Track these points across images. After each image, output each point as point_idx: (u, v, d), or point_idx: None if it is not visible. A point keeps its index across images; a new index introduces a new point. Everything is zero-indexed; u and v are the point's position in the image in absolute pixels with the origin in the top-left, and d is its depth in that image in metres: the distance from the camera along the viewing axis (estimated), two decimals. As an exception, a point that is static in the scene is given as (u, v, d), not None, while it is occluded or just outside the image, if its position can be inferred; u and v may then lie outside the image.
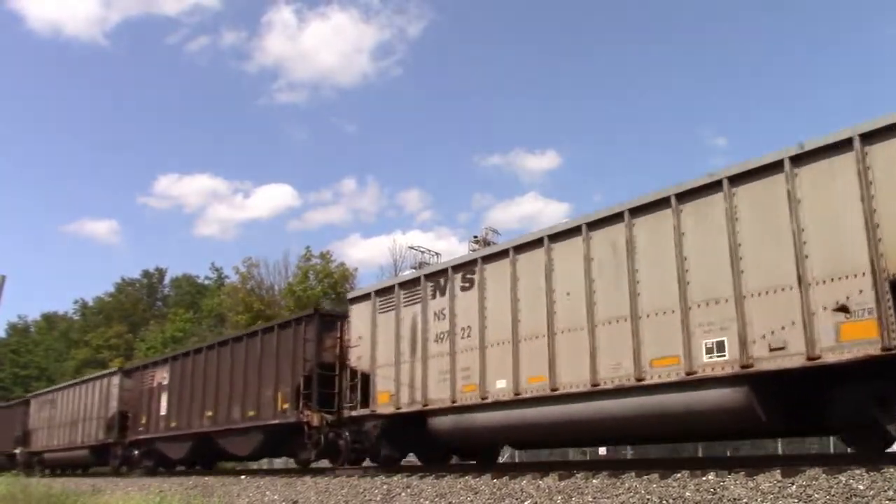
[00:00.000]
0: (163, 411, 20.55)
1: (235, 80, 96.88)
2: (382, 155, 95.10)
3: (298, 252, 48.83)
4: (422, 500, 9.78)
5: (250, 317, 38.55)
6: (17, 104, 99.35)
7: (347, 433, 14.23)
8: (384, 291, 13.75)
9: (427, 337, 12.47)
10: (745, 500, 6.87)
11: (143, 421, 21.48)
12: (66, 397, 27.28)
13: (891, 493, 6.14)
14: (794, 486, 6.78)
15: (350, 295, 15.26)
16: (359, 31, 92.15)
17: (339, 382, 14.65)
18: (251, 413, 16.50)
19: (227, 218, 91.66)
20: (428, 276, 12.81)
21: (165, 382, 20.70)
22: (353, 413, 13.89)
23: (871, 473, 6.60)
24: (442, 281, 12.44)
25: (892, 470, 6.55)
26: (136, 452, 21.90)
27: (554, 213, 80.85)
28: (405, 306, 13.10)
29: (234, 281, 46.91)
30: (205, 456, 20.45)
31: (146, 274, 68.24)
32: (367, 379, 13.69)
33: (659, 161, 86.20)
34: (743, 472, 7.53)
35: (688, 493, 7.35)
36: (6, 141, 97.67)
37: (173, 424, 19.91)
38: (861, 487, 6.37)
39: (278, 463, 26.36)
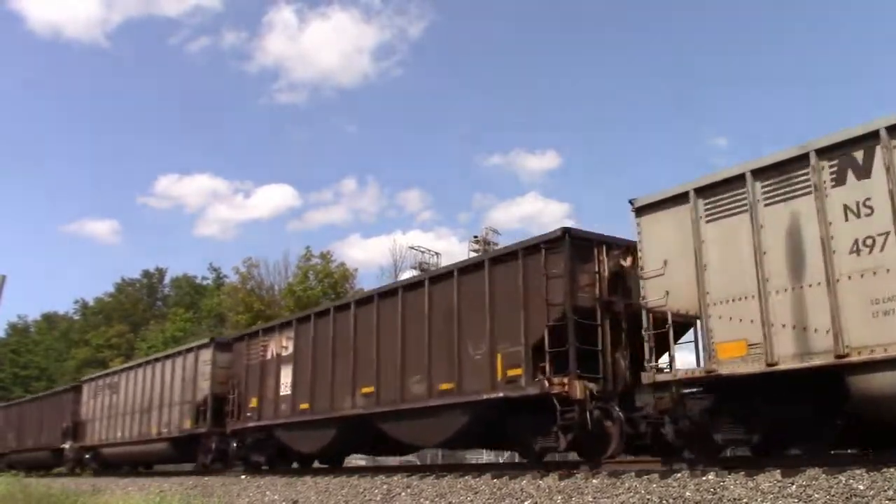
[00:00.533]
0: (285, 390, 15.57)
1: (236, 80, 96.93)
2: (383, 155, 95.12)
3: (298, 252, 48.83)
4: (422, 500, 9.80)
5: (250, 317, 38.59)
6: (18, 104, 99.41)
7: (618, 410, 10.08)
8: (717, 187, 9.07)
9: (831, 246, 8.04)
10: (745, 500, 6.88)
11: (253, 404, 16.51)
12: (134, 380, 22.39)
13: (891, 492, 6.15)
14: (794, 486, 6.79)
15: (641, 201, 9.89)
16: (359, 31, 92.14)
17: (601, 335, 10.43)
18: (446, 386, 11.81)
19: (227, 218, 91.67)
20: (824, 152, 8.19)
21: (288, 352, 15.75)
22: (662, 377, 9.27)
23: (871, 473, 6.61)
24: (858, 156, 7.94)
25: (892, 470, 6.55)
26: (235, 444, 17.35)
27: (554, 214, 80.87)
28: (769, 204, 8.63)
29: (233, 281, 47.00)
30: (356, 447, 16.39)
31: (146, 274, 68.21)
32: (682, 324, 9.54)
33: (659, 161, 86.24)
34: (743, 472, 7.53)
35: (688, 493, 7.36)
36: (7, 141, 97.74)
37: (303, 407, 14.95)
38: (861, 487, 6.38)
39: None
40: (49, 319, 71.46)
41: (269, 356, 16.41)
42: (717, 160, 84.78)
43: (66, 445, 25.51)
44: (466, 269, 12.21)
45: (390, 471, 13.20)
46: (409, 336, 12.73)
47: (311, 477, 13.37)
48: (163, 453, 20.68)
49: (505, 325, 11.12)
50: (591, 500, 8.03)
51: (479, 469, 11.75)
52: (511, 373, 10.88)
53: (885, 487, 6.24)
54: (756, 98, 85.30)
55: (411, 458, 21.95)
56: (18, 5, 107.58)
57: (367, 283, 47.49)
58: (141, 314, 62.76)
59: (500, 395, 10.91)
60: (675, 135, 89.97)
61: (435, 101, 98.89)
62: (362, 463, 23.84)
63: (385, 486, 10.89)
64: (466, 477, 10.40)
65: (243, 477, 15.61)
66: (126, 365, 24.73)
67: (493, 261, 11.72)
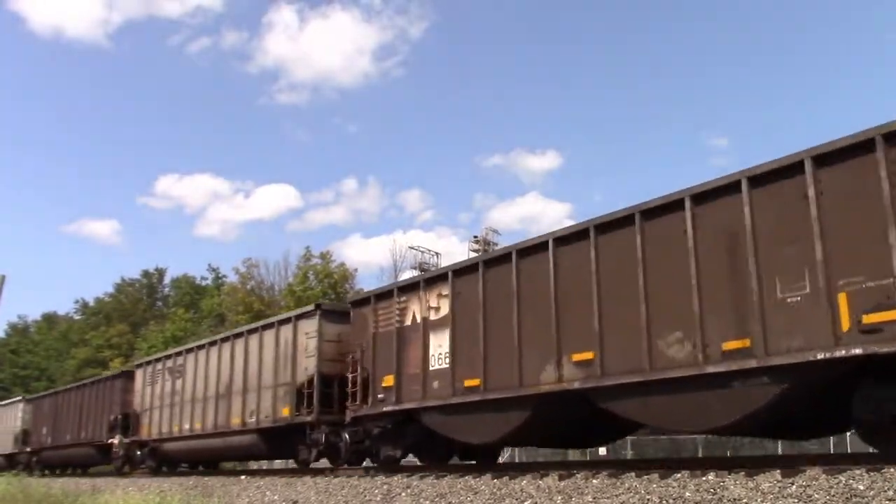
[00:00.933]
0: (438, 363, 12.18)
1: (237, 80, 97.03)
2: (383, 155, 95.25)
3: (299, 252, 48.94)
4: (422, 500, 9.80)
5: (250, 317, 38.65)
6: (19, 104, 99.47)
7: None
8: None
9: None
10: (745, 500, 6.87)
11: (388, 383, 13.03)
12: (206, 360, 18.85)
13: (891, 493, 6.14)
14: (794, 486, 6.79)
15: None
16: (360, 31, 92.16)
17: None
18: (733, 345, 8.39)
19: (227, 218, 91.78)
20: None
21: (441, 314, 12.26)
22: None
23: (871, 473, 6.60)
24: None
25: (892, 470, 6.55)
26: (347, 436, 14.10)
27: (555, 214, 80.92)
28: None
29: (232, 281, 47.10)
30: (558, 435, 12.38)
31: (146, 274, 68.24)
32: None
33: (660, 161, 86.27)
34: (743, 472, 7.52)
35: (688, 493, 7.36)
36: (7, 141, 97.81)
37: (471, 384, 11.48)
38: (861, 487, 6.37)
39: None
40: (49, 319, 71.53)
41: (409, 321, 12.89)
42: (718, 160, 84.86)
43: (115, 440, 22.35)
44: (764, 177, 8.40)
45: (390, 471, 13.19)
46: (657, 277, 9.24)
47: (311, 477, 13.36)
48: (248, 448, 17.26)
49: (852, 248, 7.64)
50: (590, 500, 8.02)
51: (479, 469, 11.75)
52: (872, 318, 7.40)
53: (886, 488, 6.23)
54: (758, 99, 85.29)
55: (411, 458, 21.88)
56: (19, 6, 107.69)
57: (367, 283, 47.54)
58: (141, 314, 62.78)
59: (856, 351, 7.42)
60: (675, 135, 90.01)
61: (435, 100, 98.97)
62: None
63: (385, 487, 10.89)
64: (466, 477, 10.39)
65: (243, 477, 15.61)
66: (195, 343, 20.75)
67: (820, 159, 7.92)
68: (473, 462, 13.50)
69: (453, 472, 11.14)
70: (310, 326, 15.18)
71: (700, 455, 20.96)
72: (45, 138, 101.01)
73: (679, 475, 8.03)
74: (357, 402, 13.58)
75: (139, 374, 22.51)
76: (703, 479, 7.68)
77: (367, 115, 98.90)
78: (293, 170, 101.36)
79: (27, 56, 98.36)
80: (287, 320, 16.12)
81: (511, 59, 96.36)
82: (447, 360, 12.02)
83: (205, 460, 21.09)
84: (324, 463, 15.39)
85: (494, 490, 9.29)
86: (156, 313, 62.98)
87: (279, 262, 44.48)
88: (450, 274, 12.30)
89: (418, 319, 12.71)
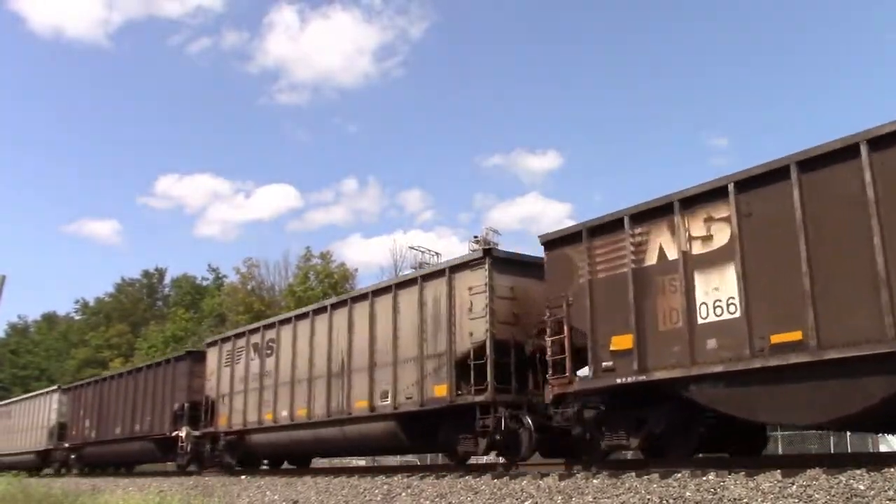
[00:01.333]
0: (714, 314, 8.79)
1: (237, 80, 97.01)
2: (383, 155, 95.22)
3: (299, 252, 49.01)
4: (422, 500, 9.80)
5: (250, 317, 38.68)
6: (19, 104, 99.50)
7: None
8: None
9: None
10: (745, 500, 6.88)
11: (620, 345, 9.67)
12: (310, 332, 15.31)
13: (891, 493, 6.15)
14: (795, 486, 6.80)
15: None
16: (361, 31, 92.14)
17: None
18: None
19: (228, 218, 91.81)
20: None
21: (718, 244, 8.90)
22: None
23: (872, 473, 6.62)
24: None
25: (892, 470, 6.56)
26: (530, 422, 11.13)
27: (555, 214, 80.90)
28: None
29: (232, 281, 47.17)
30: None
31: (146, 274, 68.32)
32: None
33: (660, 161, 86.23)
34: (743, 472, 7.53)
35: (688, 493, 7.36)
36: (8, 141, 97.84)
37: (783, 339, 8.06)
38: (861, 487, 6.38)
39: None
40: (49, 320, 71.61)
41: (653, 259, 9.60)
42: (718, 160, 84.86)
43: (181, 433, 19.20)
44: None
45: (390, 471, 13.19)
46: None
47: (311, 477, 13.37)
48: (380, 439, 13.66)
49: None
50: (591, 500, 8.03)
51: (479, 469, 11.75)
52: None
53: (886, 487, 6.24)
54: (758, 99, 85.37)
55: (410, 458, 21.92)
56: (19, 6, 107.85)
57: (367, 283, 47.53)
58: (141, 314, 62.85)
59: None
60: (675, 135, 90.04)
61: (436, 101, 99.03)
62: (361, 463, 23.82)
63: (385, 487, 10.90)
64: (467, 477, 10.41)
65: (243, 477, 15.61)
66: (292, 313, 17.37)
67: None
68: (726, 455, 10.38)
69: (453, 472, 11.15)
70: (475, 279, 11.75)
71: (700, 455, 20.95)
72: (45, 138, 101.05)
73: (679, 475, 8.05)
74: (565, 374, 10.25)
75: (212, 353, 18.83)
76: (703, 479, 7.69)
77: (367, 115, 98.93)
78: (293, 170, 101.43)
79: (27, 56, 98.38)
80: (437, 273, 12.70)
81: (511, 59, 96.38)
82: (734, 308, 8.65)
83: (313, 455, 17.80)
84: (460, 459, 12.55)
85: (494, 490, 9.29)
86: (156, 313, 63.03)
87: (279, 262, 44.53)
88: (730, 187, 8.76)
89: (671, 255, 9.40)
